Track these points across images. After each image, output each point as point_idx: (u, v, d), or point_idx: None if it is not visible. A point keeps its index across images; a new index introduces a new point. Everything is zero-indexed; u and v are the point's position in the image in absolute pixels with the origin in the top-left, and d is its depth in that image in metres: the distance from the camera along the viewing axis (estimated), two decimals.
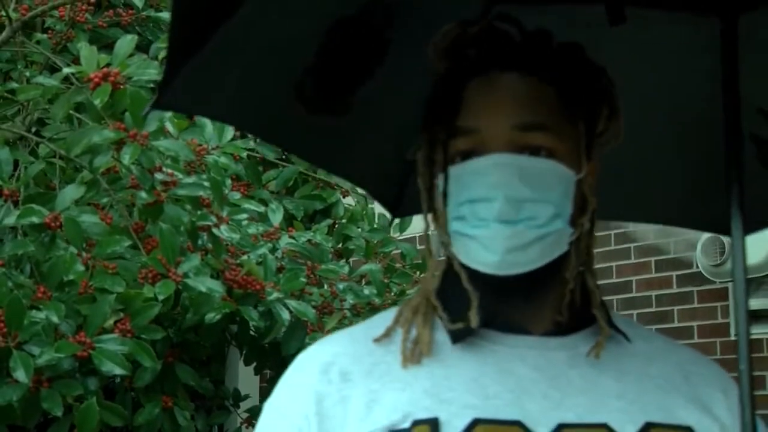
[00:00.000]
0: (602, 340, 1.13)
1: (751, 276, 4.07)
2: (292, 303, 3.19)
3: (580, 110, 1.13)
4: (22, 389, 2.66)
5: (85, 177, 2.98)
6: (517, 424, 1.06)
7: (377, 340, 1.14)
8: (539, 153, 1.10)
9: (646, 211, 1.59)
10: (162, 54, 3.19)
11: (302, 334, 3.29)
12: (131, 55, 2.99)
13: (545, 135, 1.10)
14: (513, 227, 1.07)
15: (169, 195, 3.02)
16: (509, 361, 1.10)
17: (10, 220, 2.84)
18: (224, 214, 3.17)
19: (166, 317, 3.13)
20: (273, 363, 3.53)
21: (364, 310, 3.49)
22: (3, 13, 3.18)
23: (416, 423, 1.05)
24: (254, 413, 3.74)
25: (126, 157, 2.81)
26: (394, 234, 3.72)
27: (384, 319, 1.17)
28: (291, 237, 3.49)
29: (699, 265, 4.56)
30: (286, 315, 3.17)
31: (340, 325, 3.37)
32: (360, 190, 3.90)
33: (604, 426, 1.08)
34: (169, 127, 3.07)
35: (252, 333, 3.38)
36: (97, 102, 2.82)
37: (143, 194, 2.97)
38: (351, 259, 3.83)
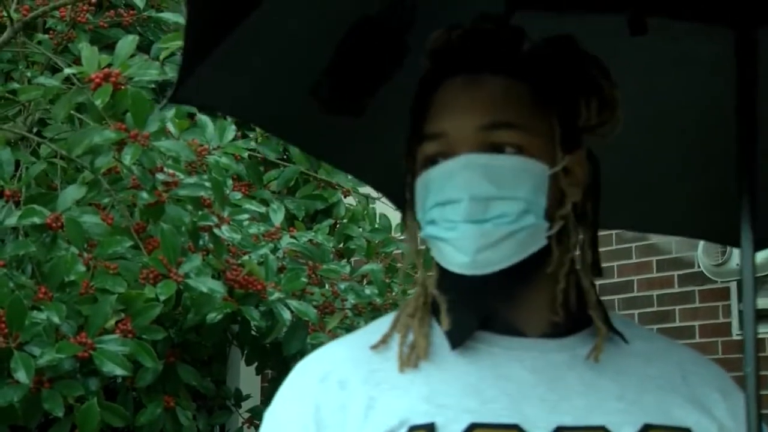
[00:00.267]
0: (600, 343, 1.12)
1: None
2: (294, 303, 3.20)
3: (555, 104, 1.13)
4: (23, 390, 2.66)
5: (86, 177, 2.99)
6: (515, 427, 1.05)
7: (374, 347, 1.14)
8: (505, 150, 1.09)
9: (660, 222, 1.58)
10: (163, 54, 3.19)
11: (303, 334, 3.29)
12: (132, 56, 2.99)
13: (512, 132, 1.10)
14: (481, 226, 1.07)
15: (171, 195, 3.02)
16: (506, 364, 1.10)
17: (12, 221, 2.84)
18: (225, 214, 3.17)
19: (167, 317, 3.13)
20: (274, 363, 3.53)
21: (365, 310, 3.49)
22: (4, 13, 3.18)
23: (413, 428, 1.05)
24: (256, 413, 3.75)
25: (127, 158, 2.81)
26: (396, 234, 3.73)
27: (381, 325, 1.17)
28: (292, 237, 3.49)
29: (700, 264, 4.56)
30: (287, 315, 3.17)
31: (342, 325, 3.37)
32: (361, 190, 3.91)
33: (603, 428, 1.07)
34: (171, 127, 3.07)
35: (253, 333, 3.38)
36: (98, 102, 2.82)
37: (144, 194, 2.98)
38: (352, 259, 3.83)
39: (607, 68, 1.15)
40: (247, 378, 4.48)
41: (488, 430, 1.05)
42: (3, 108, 3.27)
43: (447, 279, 1.12)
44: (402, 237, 3.68)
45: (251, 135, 3.90)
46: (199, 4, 1.07)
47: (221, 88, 1.24)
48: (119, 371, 2.76)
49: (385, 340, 1.14)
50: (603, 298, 1.18)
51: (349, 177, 3.92)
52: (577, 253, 1.15)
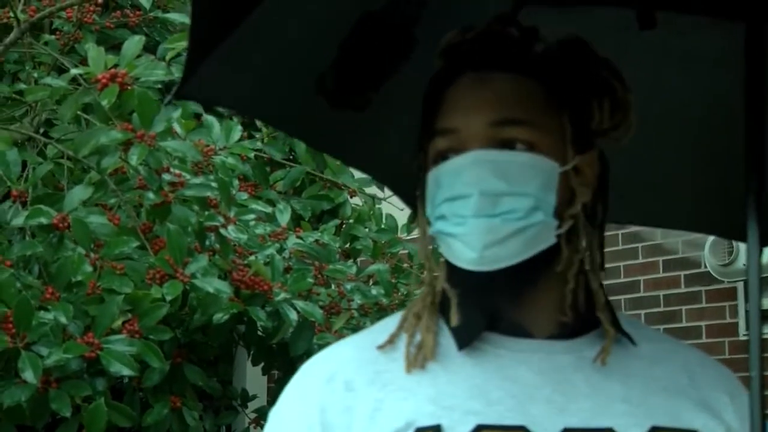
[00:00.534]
0: (608, 345, 1.12)
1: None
2: (300, 303, 3.20)
3: (567, 104, 1.13)
4: (30, 390, 2.67)
5: (92, 178, 2.99)
6: (521, 429, 1.05)
7: (381, 348, 1.14)
8: (516, 147, 1.09)
9: (667, 216, 1.58)
10: (169, 55, 3.20)
11: (310, 335, 3.29)
12: (139, 56, 3.00)
13: (523, 129, 1.10)
14: (490, 222, 1.07)
15: (177, 196, 3.02)
16: (513, 365, 1.10)
17: (19, 221, 2.85)
18: (232, 214, 3.17)
19: (173, 318, 3.14)
20: (281, 363, 3.53)
21: (371, 311, 3.49)
22: (11, 14, 3.19)
23: (419, 430, 1.05)
24: (262, 413, 3.75)
25: (134, 158, 2.81)
26: (402, 234, 3.73)
27: (388, 325, 1.17)
28: (298, 237, 3.49)
29: (707, 264, 4.55)
30: (293, 315, 3.18)
31: (348, 325, 3.37)
32: (367, 191, 3.91)
33: (610, 430, 1.07)
34: (177, 127, 3.08)
35: (260, 333, 3.39)
36: (104, 103, 2.82)
37: (151, 195, 2.98)
38: (358, 260, 3.83)
39: (620, 71, 1.15)
40: (253, 378, 4.49)
41: (494, 431, 1.05)
42: (10, 108, 3.27)
43: (455, 276, 1.12)
44: (408, 237, 3.70)
45: (257, 135, 3.91)
46: (204, 1, 1.07)
47: (226, 83, 1.24)
48: (126, 371, 2.76)
49: (392, 340, 1.14)
50: (609, 298, 1.17)
51: (355, 177, 3.93)
52: (587, 253, 1.15)
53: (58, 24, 3.71)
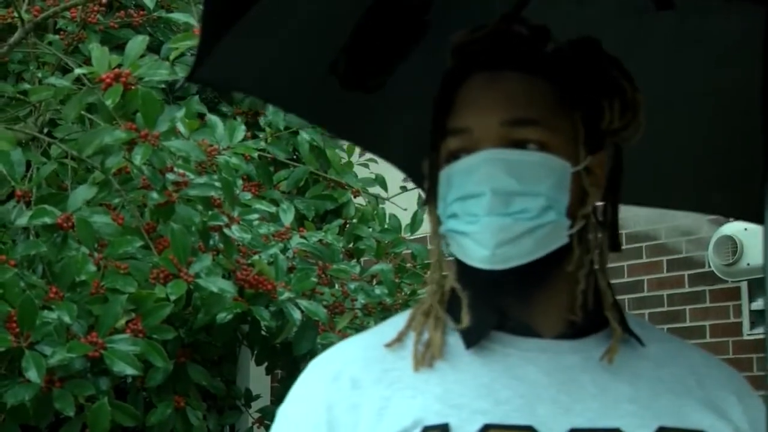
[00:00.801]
0: (615, 345, 1.12)
1: (760, 276, 4.04)
2: (304, 303, 3.20)
3: (578, 104, 1.13)
4: (34, 389, 2.67)
5: (96, 177, 2.99)
6: (529, 429, 1.05)
7: (389, 345, 1.13)
8: (528, 146, 1.10)
9: (683, 198, 1.58)
10: (173, 54, 3.20)
11: (313, 334, 3.29)
12: (142, 56, 3.00)
13: (535, 129, 1.10)
14: (502, 220, 1.07)
15: (181, 195, 3.02)
16: (521, 365, 1.10)
17: (23, 221, 2.85)
18: (235, 214, 3.17)
19: (177, 317, 3.14)
20: (284, 363, 3.53)
21: (375, 310, 3.49)
22: (15, 14, 3.19)
23: (427, 429, 1.05)
24: (266, 413, 3.75)
25: (137, 158, 2.81)
26: (405, 234, 3.73)
27: (396, 323, 1.17)
28: (302, 237, 3.50)
29: (711, 264, 4.54)
30: (297, 315, 3.18)
31: (351, 325, 3.37)
32: (371, 190, 3.91)
33: (617, 430, 1.07)
34: (181, 127, 3.08)
35: (263, 333, 3.38)
36: (108, 102, 2.83)
37: (155, 194, 2.98)
38: (362, 259, 3.84)
39: (629, 71, 1.15)
40: (257, 378, 4.49)
41: (502, 431, 1.05)
42: (14, 108, 3.28)
43: (465, 275, 1.12)
44: (411, 237, 3.70)
45: (261, 135, 3.91)
46: None
47: (237, 66, 1.24)
48: (130, 371, 2.76)
49: (400, 338, 1.14)
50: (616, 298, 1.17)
51: (359, 177, 3.93)
52: (596, 252, 1.15)
53: (62, 24, 3.71)
